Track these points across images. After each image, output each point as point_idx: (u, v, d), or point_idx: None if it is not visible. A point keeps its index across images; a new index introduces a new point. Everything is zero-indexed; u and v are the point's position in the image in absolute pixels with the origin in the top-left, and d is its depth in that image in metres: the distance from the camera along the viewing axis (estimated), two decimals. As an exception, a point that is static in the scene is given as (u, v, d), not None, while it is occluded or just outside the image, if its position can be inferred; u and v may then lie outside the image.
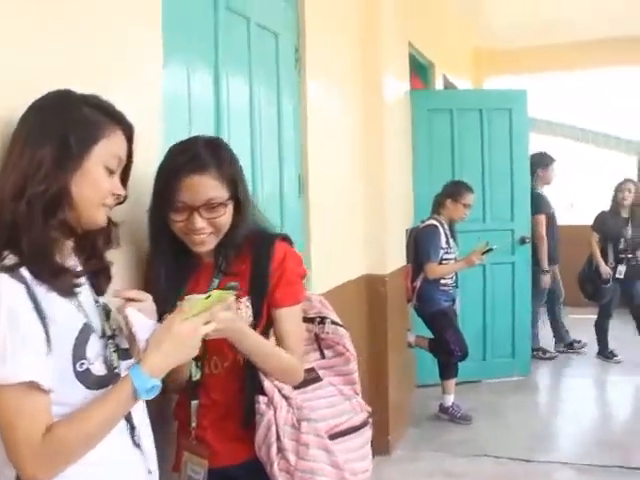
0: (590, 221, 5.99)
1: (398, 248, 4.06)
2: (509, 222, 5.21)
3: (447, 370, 4.41)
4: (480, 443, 4.06)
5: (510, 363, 5.31)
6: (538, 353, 5.81)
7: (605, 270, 5.64)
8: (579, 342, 6.05)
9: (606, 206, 5.90)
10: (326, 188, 3.18)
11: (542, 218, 5.63)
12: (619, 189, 5.71)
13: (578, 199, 12.63)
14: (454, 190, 4.40)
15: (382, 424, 3.87)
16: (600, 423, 4.55)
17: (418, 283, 4.32)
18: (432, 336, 4.42)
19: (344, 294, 3.40)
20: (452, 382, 4.44)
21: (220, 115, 2.30)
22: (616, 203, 5.73)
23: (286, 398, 1.63)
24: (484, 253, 4.26)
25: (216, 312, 1.35)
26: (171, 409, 1.80)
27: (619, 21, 6.97)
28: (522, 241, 5.22)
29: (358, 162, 3.65)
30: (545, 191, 5.92)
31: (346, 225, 3.48)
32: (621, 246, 5.62)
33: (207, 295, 1.34)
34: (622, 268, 5.62)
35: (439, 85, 5.92)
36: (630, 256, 5.65)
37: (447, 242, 4.33)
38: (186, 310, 1.30)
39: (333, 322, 1.87)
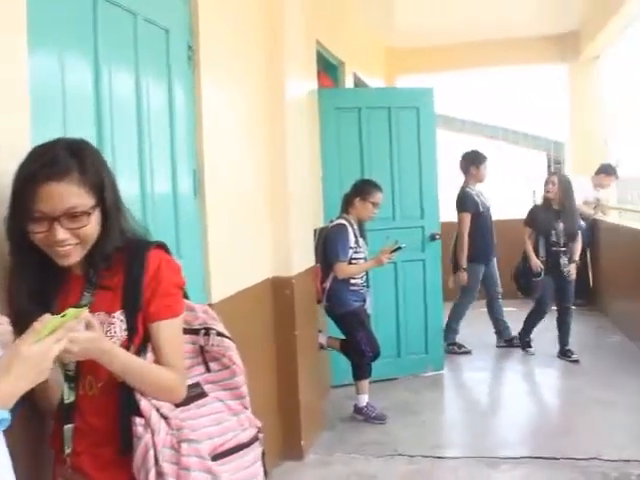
0: (509, 215, 6.18)
1: (306, 249, 3.98)
2: (419, 220, 5.24)
3: (360, 370, 4.38)
4: (394, 443, 4.05)
5: (424, 359, 5.35)
6: (453, 348, 5.89)
7: (535, 264, 5.60)
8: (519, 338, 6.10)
9: (529, 201, 6.18)
10: (225, 188, 3.07)
11: (466, 216, 5.77)
12: (545, 183, 5.72)
13: (494, 194, 12.99)
14: (362, 189, 4.36)
15: (294, 429, 3.81)
16: (511, 416, 4.62)
17: (328, 284, 4.27)
18: (344, 337, 4.38)
19: (249, 298, 3.31)
20: (365, 382, 4.41)
21: (101, 113, 2.16)
22: (545, 197, 5.70)
23: (165, 418, 1.52)
24: (393, 252, 4.27)
25: (71, 331, 1.24)
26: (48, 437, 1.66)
27: (526, 21, 7.19)
28: (432, 238, 5.26)
29: (261, 162, 3.55)
30: (478, 188, 6.00)
31: (249, 226, 3.37)
32: (553, 239, 5.58)
33: (62, 314, 1.23)
34: (565, 264, 5.55)
35: (350, 84, 5.90)
36: (563, 249, 5.60)
37: (356, 241, 4.29)
38: (38, 330, 1.19)
39: (219, 333, 1.76)
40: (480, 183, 6.01)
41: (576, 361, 5.42)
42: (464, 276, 5.75)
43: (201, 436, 1.55)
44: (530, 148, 10.66)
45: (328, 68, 5.53)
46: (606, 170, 7.07)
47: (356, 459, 3.89)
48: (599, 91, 7.70)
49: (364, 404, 4.40)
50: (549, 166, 10.37)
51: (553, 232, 5.57)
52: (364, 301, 4.39)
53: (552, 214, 5.59)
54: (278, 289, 3.65)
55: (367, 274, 4.43)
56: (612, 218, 7.10)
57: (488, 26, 7.28)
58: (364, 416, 4.39)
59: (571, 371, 5.33)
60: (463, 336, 6.06)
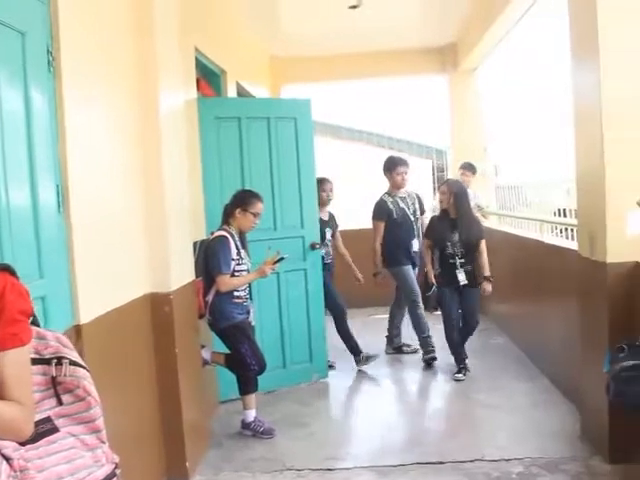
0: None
1: (185, 263, 3.84)
2: (299, 229, 5.25)
3: (246, 385, 4.29)
4: (283, 457, 3.99)
5: (309, 368, 5.39)
6: (406, 349, 6.20)
7: (429, 277, 5.49)
8: (409, 346, 6.18)
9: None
10: (93, 203, 2.90)
11: (378, 224, 5.88)
12: (438, 192, 5.54)
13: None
14: (242, 199, 4.29)
15: (178, 449, 3.67)
16: (398, 422, 4.67)
17: (210, 297, 4.16)
18: (228, 351, 4.28)
19: (124, 316, 3.15)
20: (252, 397, 4.33)
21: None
22: (441, 207, 5.48)
23: (7, 459, 1.38)
24: (276, 262, 4.23)
25: None
26: None
27: (408, 33, 7.37)
28: (312, 247, 5.30)
29: (135, 174, 3.38)
30: (402, 194, 5.95)
31: (122, 242, 3.20)
32: (448, 250, 5.29)
33: None
34: (462, 276, 5.29)
35: (232, 93, 5.81)
36: (461, 261, 5.31)
37: (239, 253, 4.21)
38: None
39: (72, 362, 1.62)
40: (399, 189, 5.91)
41: (461, 380, 5.28)
42: (377, 281, 5.88)
43: (49, 476, 1.42)
44: (416, 156, 10.98)
45: (209, 76, 5.41)
46: (466, 167, 7.33)
47: (244, 477, 3.79)
48: (477, 101, 8.01)
49: (252, 419, 4.31)
50: (433, 173, 10.72)
51: (448, 243, 5.30)
52: (248, 313, 4.31)
53: (447, 224, 5.34)
54: (156, 306, 3.49)
55: (250, 286, 4.35)
56: (492, 223, 7.37)
57: (373, 37, 7.41)
58: (252, 431, 4.30)
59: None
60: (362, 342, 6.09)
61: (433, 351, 5.73)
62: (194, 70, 4.52)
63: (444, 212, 5.39)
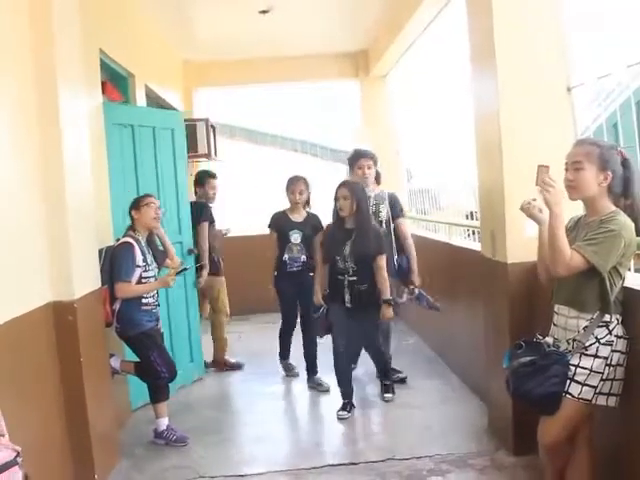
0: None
1: (89, 270, 3.73)
2: (178, 235, 5.37)
3: (157, 393, 4.22)
4: (196, 465, 3.94)
5: (191, 368, 5.61)
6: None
7: (316, 296, 4.83)
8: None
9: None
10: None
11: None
12: (335, 198, 4.56)
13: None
14: (133, 202, 4.29)
15: (86, 462, 3.58)
16: (310, 425, 4.72)
17: (117, 305, 4.06)
18: (138, 360, 4.19)
19: (23, 326, 3.03)
20: (163, 405, 4.26)
21: None
22: (336, 213, 4.61)
23: None
24: (179, 273, 4.20)
25: None
26: None
27: (321, 39, 7.45)
28: (189, 252, 5.46)
29: (33, 180, 3.27)
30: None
31: (19, 250, 3.08)
32: (339, 265, 4.52)
33: None
34: (347, 297, 4.53)
35: (141, 96, 5.70)
36: (352, 279, 4.50)
37: (145, 259, 4.14)
38: None
39: None
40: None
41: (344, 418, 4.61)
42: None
43: None
44: (330, 160, 11.09)
45: (117, 80, 5.29)
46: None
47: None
48: (388, 106, 8.17)
49: (164, 427, 4.24)
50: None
51: (338, 258, 4.54)
52: (157, 320, 4.24)
53: (341, 235, 4.56)
54: (59, 314, 3.38)
55: (158, 293, 4.28)
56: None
57: (285, 42, 7.44)
58: (165, 440, 4.23)
59: (369, 374, 5.45)
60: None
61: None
62: (98, 73, 4.40)
63: (340, 220, 4.58)
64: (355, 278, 4.51)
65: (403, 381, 5.25)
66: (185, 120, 7.18)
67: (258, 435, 4.42)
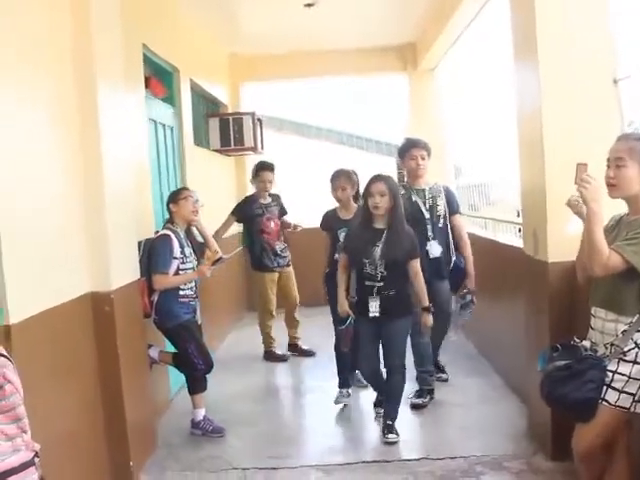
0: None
1: (128, 262, 3.79)
2: None
3: (194, 385, 4.27)
4: (230, 456, 3.99)
5: None
6: None
7: (341, 306, 4.19)
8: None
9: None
10: (20, 202, 2.84)
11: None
12: (369, 194, 4.03)
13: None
14: (170, 196, 4.34)
15: (122, 449, 3.65)
16: (344, 421, 4.64)
17: (156, 297, 4.12)
18: (176, 351, 4.25)
19: (62, 316, 3.12)
20: (201, 396, 4.32)
21: None
22: (366, 211, 4.09)
23: None
24: (215, 262, 4.22)
25: None
26: None
27: (368, 32, 7.38)
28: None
29: (73, 173, 3.34)
30: (419, 186, 4.83)
31: (57, 241, 3.15)
32: (366, 270, 4.01)
33: None
34: (374, 303, 4.00)
35: (185, 91, 5.76)
36: (380, 284, 4.00)
37: (183, 252, 4.18)
38: None
39: None
40: (416, 179, 4.81)
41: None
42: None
43: None
44: (378, 154, 11.00)
45: (161, 74, 5.36)
46: None
47: (188, 476, 3.78)
48: (436, 100, 8.05)
49: (201, 418, 4.30)
50: (398, 172, 10.70)
51: (366, 261, 4.02)
52: (194, 312, 4.28)
53: (370, 235, 4.05)
54: (97, 305, 3.45)
55: (196, 285, 4.32)
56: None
57: (331, 35, 7.40)
58: (202, 430, 4.29)
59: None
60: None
61: (426, 390, 4.79)
62: (141, 68, 4.46)
63: (367, 219, 4.10)
64: (383, 284, 4.02)
65: (445, 381, 5.17)
66: (231, 114, 7.31)
67: (292, 429, 4.44)
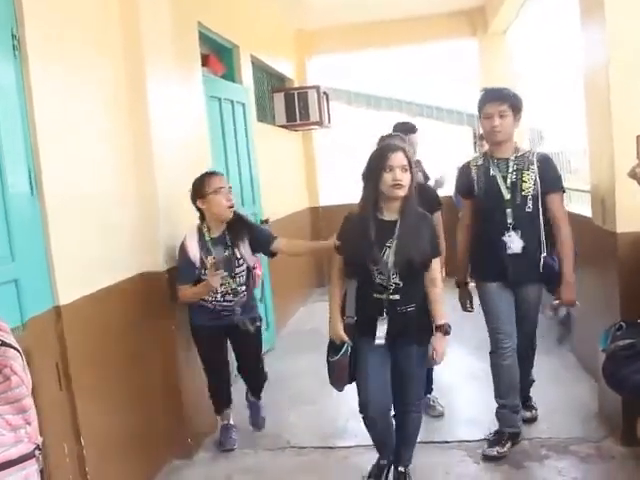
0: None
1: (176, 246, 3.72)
2: (252, 206, 5.53)
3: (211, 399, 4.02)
4: (288, 434, 3.98)
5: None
6: None
7: (334, 329, 3.06)
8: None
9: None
10: (71, 185, 2.91)
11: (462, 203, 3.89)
12: (383, 165, 2.87)
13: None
14: (196, 189, 3.57)
15: (181, 427, 3.70)
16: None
17: None
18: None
19: (114, 295, 3.21)
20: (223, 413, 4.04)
21: None
22: (371, 194, 2.95)
23: None
24: (216, 268, 3.43)
25: None
26: None
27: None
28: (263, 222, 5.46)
29: (122, 158, 3.39)
30: (502, 155, 3.55)
31: (107, 224, 3.20)
32: (376, 280, 2.93)
33: None
34: (383, 325, 2.93)
35: (246, 68, 5.73)
36: (395, 298, 2.92)
37: (206, 256, 3.57)
38: None
39: (3, 343, 1.64)
40: (495, 146, 3.55)
41: None
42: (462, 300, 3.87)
43: None
44: (452, 123, 10.67)
45: (221, 52, 5.35)
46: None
47: (246, 454, 3.81)
48: (509, 65, 7.68)
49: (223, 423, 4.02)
50: (475, 142, 10.37)
51: (376, 267, 2.91)
52: (221, 319, 3.70)
53: (377, 230, 2.91)
54: (149, 284, 3.50)
55: (243, 284, 3.71)
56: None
57: (399, 3, 7.18)
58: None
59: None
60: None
61: (507, 434, 3.60)
62: (197, 46, 4.44)
63: (371, 206, 2.93)
64: (398, 297, 2.93)
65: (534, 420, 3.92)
66: (296, 88, 7.25)
67: (351, 408, 4.37)
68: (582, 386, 4.33)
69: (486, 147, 5.51)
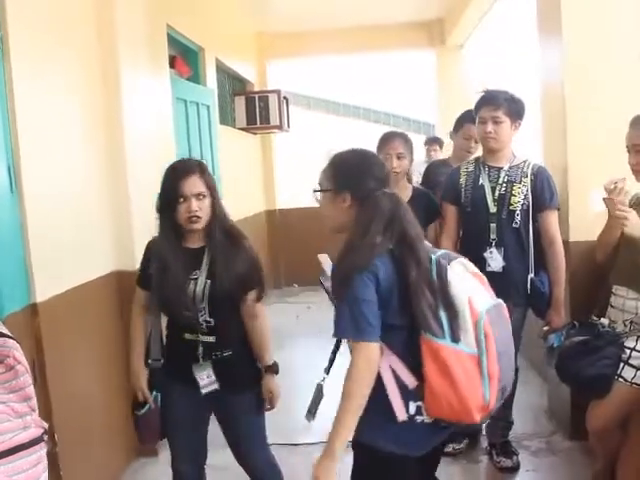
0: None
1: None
2: None
3: None
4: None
5: None
6: None
7: (135, 379, 2.64)
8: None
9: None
10: (50, 184, 2.95)
11: (446, 209, 3.47)
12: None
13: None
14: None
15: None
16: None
17: None
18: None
19: (88, 293, 3.23)
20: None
21: None
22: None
23: None
24: None
25: None
26: None
27: (396, 7, 7.31)
28: None
29: (96, 155, 3.44)
30: (494, 163, 3.31)
31: (83, 222, 3.24)
32: (183, 317, 2.45)
33: None
34: (204, 372, 2.47)
35: (211, 70, 5.79)
36: (209, 340, 2.45)
37: None
38: None
39: (2, 334, 1.69)
40: (490, 154, 3.33)
41: None
42: None
43: None
44: (408, 130, 10.91)
45: (187, 54, 5.40)
46: (432, 142, 7.31)
47: (213, 452, 3.85)
48: (464, 76, 7.94)
49: None
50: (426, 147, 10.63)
51: (181, 302, 2.40)
52: None
53: (182, 257, 2.44)
54: (122, 282, 3.54)
55: None
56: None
57: (359, 11, 7.35)
58: None
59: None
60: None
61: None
62: (165, 48, 4.49)
63: (174, 226, 2.47)
64: (213, 339, 2.46)
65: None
66: (257, 92, 7.34)
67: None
68: (531, 386, 4.53)
69: (439, 152, 5.56)
